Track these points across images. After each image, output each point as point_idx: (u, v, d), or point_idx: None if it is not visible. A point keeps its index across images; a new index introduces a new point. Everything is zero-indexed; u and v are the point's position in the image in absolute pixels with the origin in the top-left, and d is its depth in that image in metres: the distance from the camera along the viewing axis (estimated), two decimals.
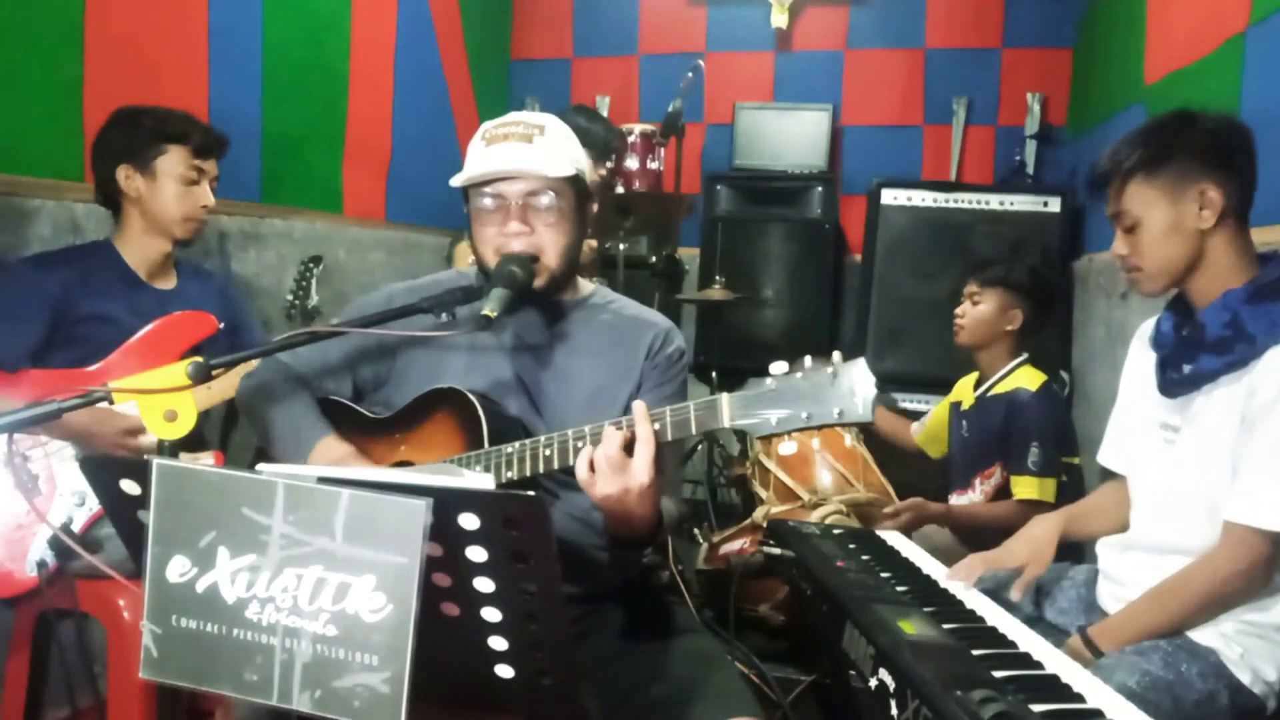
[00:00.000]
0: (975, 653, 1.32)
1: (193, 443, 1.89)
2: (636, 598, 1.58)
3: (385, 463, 1.53)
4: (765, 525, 2.44)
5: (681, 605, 1.92)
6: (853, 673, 1.40)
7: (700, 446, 3.59)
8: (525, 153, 1.48)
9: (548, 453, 1.36)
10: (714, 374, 3.66)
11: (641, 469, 1.26)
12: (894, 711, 1.21)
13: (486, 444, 1.43)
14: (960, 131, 4.37)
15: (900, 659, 1.24)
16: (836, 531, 2.04)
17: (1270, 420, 1.43)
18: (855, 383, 1.23)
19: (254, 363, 1.67)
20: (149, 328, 2.02)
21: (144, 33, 2.62)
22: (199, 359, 1.19)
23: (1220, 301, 1.51)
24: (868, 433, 2.89)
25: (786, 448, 2.76)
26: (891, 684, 1.23)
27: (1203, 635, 1.51)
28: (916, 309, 3.85)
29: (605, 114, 4.41)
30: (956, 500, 2.66)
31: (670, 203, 3.85)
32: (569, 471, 1.35)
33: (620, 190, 3.89)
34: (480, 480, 0.99)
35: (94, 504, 1.89)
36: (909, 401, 3.77)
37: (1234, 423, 1.48)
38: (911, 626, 1.37)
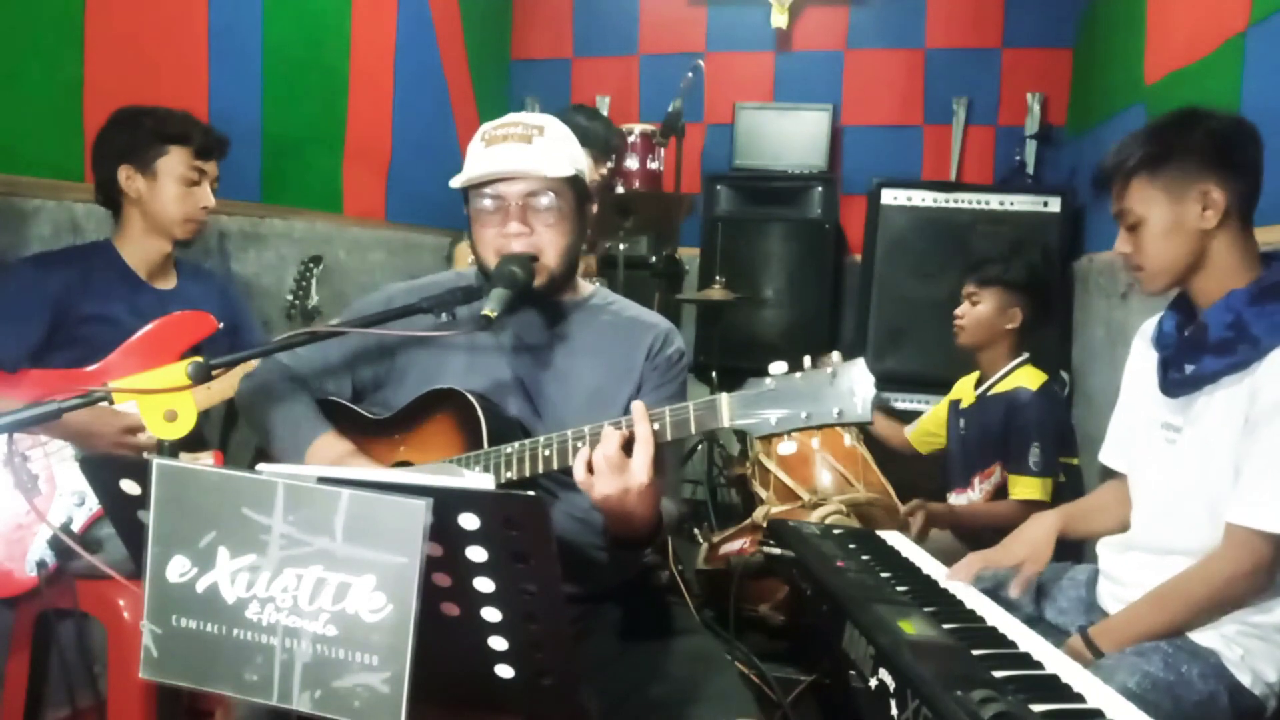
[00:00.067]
0: (975, 653, 1.32)
1: (193, 443, 1.89)
2: (636, 598, 1.58)
3: (385, 463, 1.54)
4: (765, 525, 2.44)
5: (681, 605, 1.93)
6: (853, 673, 1.40)
7: (700, 446, 3.59)
8: (524, 153, 1.48)
9: (547, 453, 1.37)
10: (714, 374, 3.66)
11: (641, 469, 1.26)
12: (894, 711, 1.21)
13: (486, 444, 1.43)
14: (960, 131, 4.37)
15: (900, 659, 1.24)
16: (836, 531, 2.04)
17: (1273, 423, 1.43)
18: (854, 383, 1.23)
19: (254, 363, 1.67)
20: (149, 328, 2.02)
21: (144, 33, 2.62)
22: (199, 359, 1.19)
23: (1223, 302, 1.51)
24: (866, 433, 2.89)
25: (786, 448, 2.76)
26: (891, 684, 1.23)
27: (1203, 636, 1.51)
28: (916, 309, 3.85)
29: (605, 114, 4.41)
30: (955, 499, 2.66)
31: (670, 203, 3.85)
32: (568, 472, 1.35)
33: (620, 190, 3.89)
34: (480, 480, 0.99)
35: (94, 504, 1.88)
36: (909, 401, 3.77)
37: (1236, 424, 1.48)
38: (911, 626, 1.37)
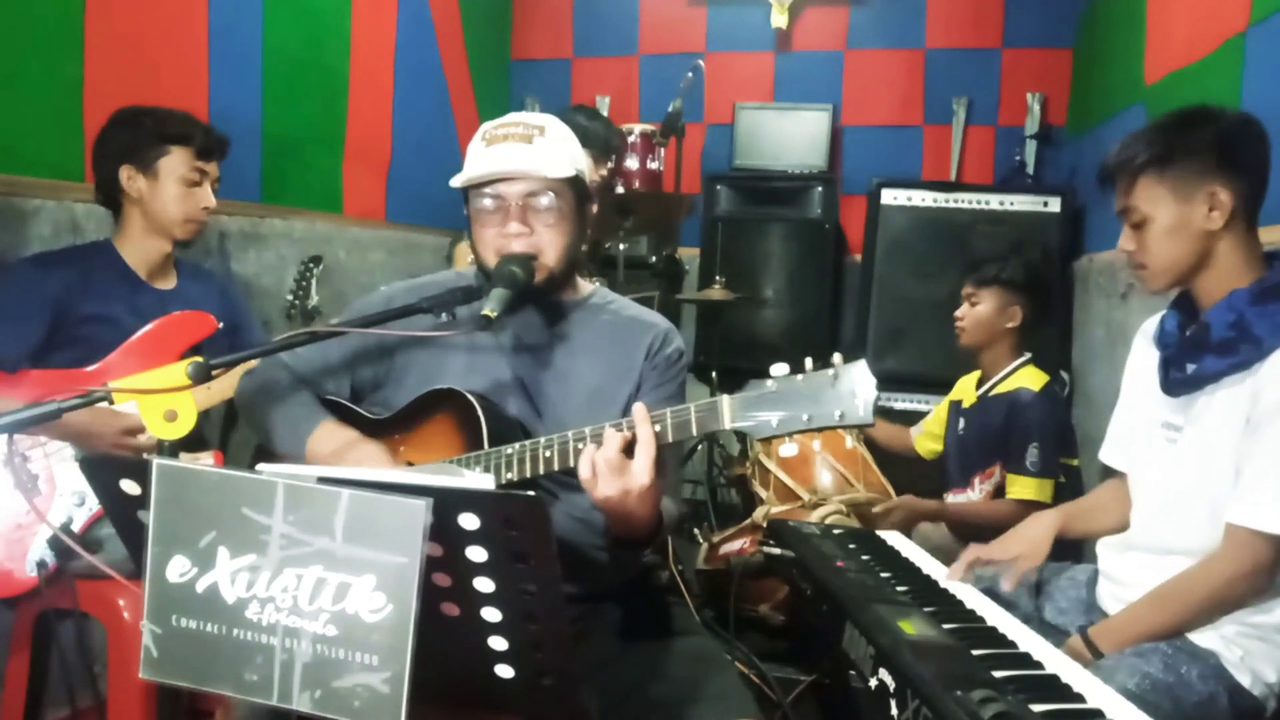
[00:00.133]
0: (975, 653, 1.32)
1: (193, 443, 1.89)
2: (636, 598, 1.58)
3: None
4: (765, 525, 2.44)
5: (681, 605, 1.93)
6: (853, 673, 1.40)
7: (700, 447, 3.59)
8: (525, 153, 1.48)
9: (548, 454, 1.37)
10: (714, 374, 3.65)
11: (642, 470, 1.26)
12: (894, 711, 1.21)
13: (486, 445, 1.43)
14: (960, 131, 4.37)
15: (900, 659, 1.24)
16: (836, 531, 2.04)
17: (1275, 423, 1.42)
18: (856, 385, 1.23)
19: (254, 362, 1.67)
20: (149, 328, 2.02)
21: (144, 33, 2.62)
22: (199, 359, 1.19)
23: (1225, 302, 1.50)
24: (868, 436, 2.89)
25: (787, 450, 2.76)
26: (891, 684, 1.23)
27: (1203, 637, 1.51)
28: (916, 309, 3.85)
29: (605, 114, 4.41)
30: (953, 499, 2.66)
31: (670, 203, 3.85)
32: (569, 472, 1.35)
33: (620, 190, 3.89)
34: (480, 480, 0.99)
35: (94, 504, 1.88)
36: (909, 402, 3.77)
37: (1237, 424, 1.48)
38: (911, 626, 1.37)
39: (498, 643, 0.97)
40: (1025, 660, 1.33)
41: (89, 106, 2.42)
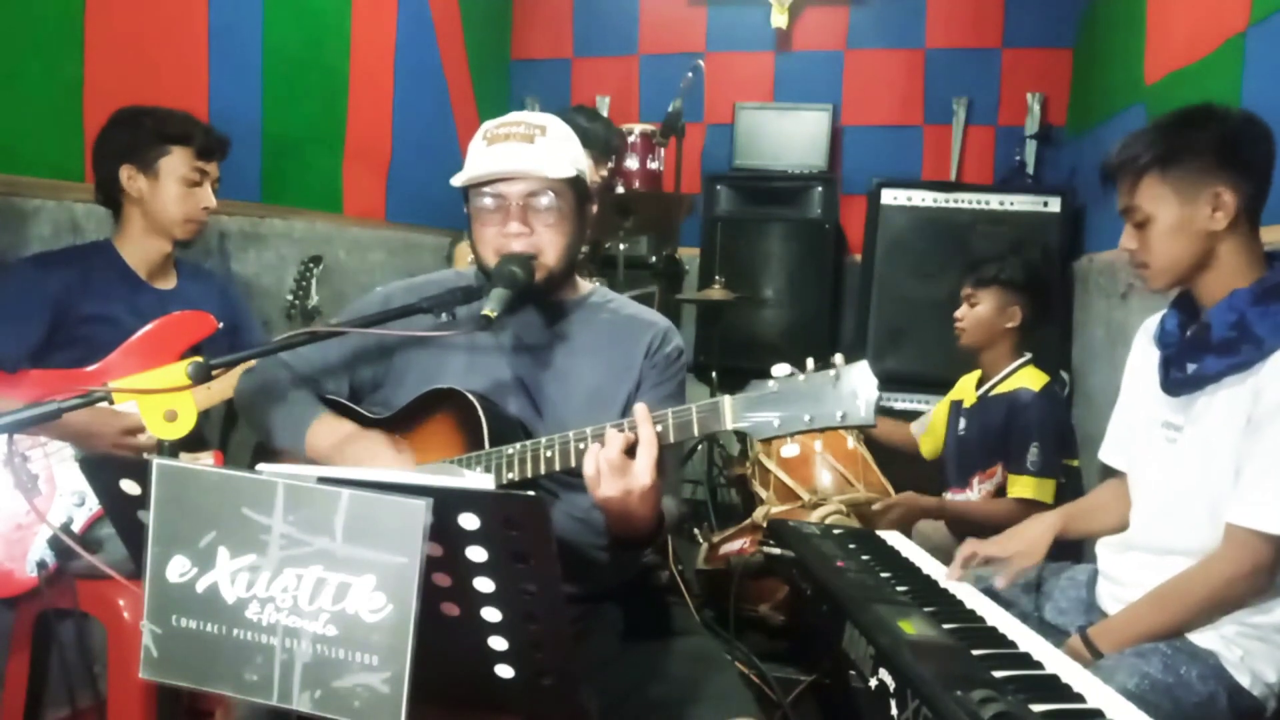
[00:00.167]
0: (975, 653, 1.32)
1: (193, 443, 1.89)
2: (636, 598, 1.58)
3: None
4: (765, 525, 2.44)
5: (681, 605, 1.92)
6: (853, 673, 1.40)
7: (700, 447, 3.59)
8: (527, 153, 1.48)
9: (549, 454, 1.37)
10: (714, 374, 3.65)
11: (644, 471, 1.26)
12: (894, 711, 1.21)
13: (487, 444, 1.43)
14: (960, 131, 4.37)
15: (900, 659, 1.24)
16: (836, 531, 2.04)
17: (1276, 423, 1.42)
18: (858, 385, 1.23)
19: (253, 362, 1.67)
20: (149, 328, 2.02)
21: (144, 33, 2.62)
22: (199, 359, 1.19)
23: (1227, 302, 1.50)
24: (867, 435, 2.88)
25: (789, 450, 2.76)
26: (891, 684, 1.23)
27: (1202, 638, 1.51)
28: (916, 309, 3.85)
29: (605, 114, 4.41)
30: (952, 499, 2.66)
31: (670, 203, 3.85)
32: (570, 472, 1.35)
33: (620, 190, 3.89)
34: (480, 480, 0.99)
35: (94, 504, 1.88)
36: (909, 402, 3.77)
37: (1238, 424, 1.48)
38: (911, 626, 1.37)
39: (498, 643, 0.97)
40: (1025, 660, 1.33)
41: (89, 106, 2.42)
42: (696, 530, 2.96)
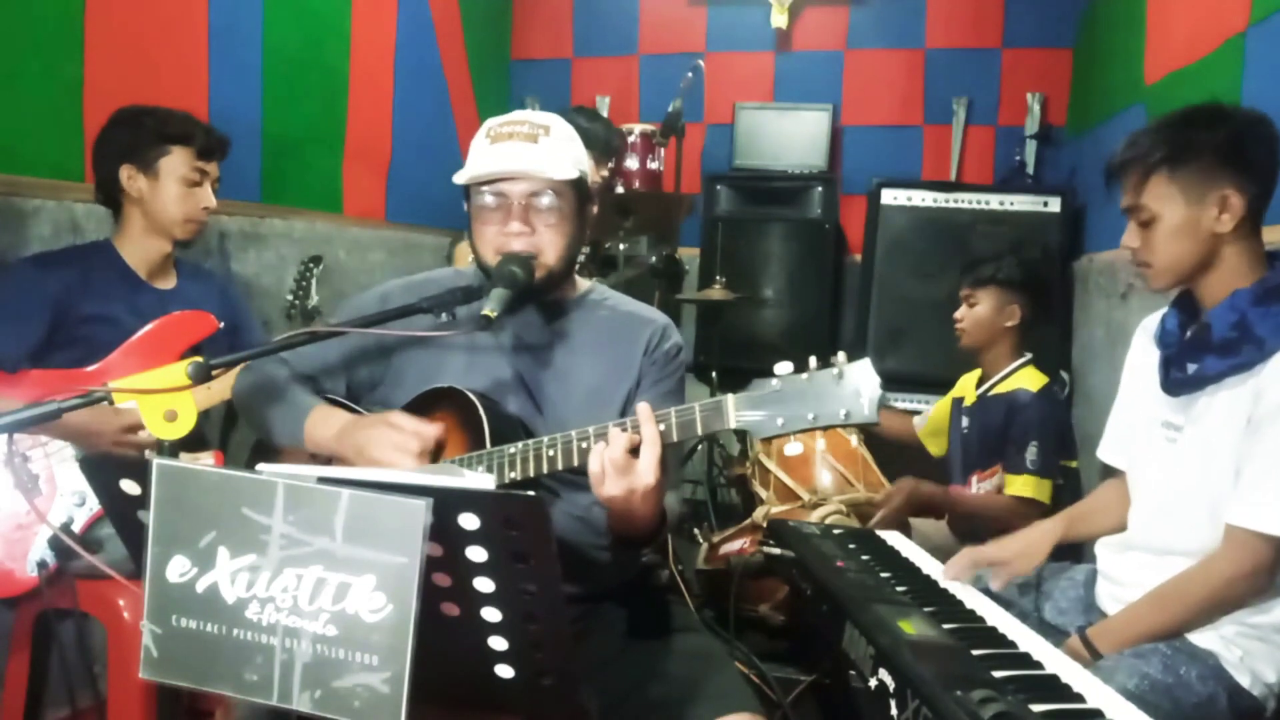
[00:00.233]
0: (975, 653, 1.32)
1: (193, 443, 1.89)
2: (636, 597, 1.58)
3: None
4: (765, 525, 2.44)
5: (681, 605, 1.92)
6: (853, 673, 1.40)
7: (700, 446, 3.59)
8: (529, 153, 1.48)
9: (552, 453, 1.37)
10: (714, 374, 3.65)
11: (647, 470, 1.26)
12: (894, 711, 1.21)
13: (488, 443, 1.43)
14: (960, 131, 4.37)
15: (900, 659, 1.24)
16: (836, 531, 2.04)
17: (1276, 424, 1.42)
18: (860, 383, 1.23)
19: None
20: (149, 327, 2.02)
21: (144, 33, 2.62)
22: (199, 359, 1.19)
23: (1228, 302, 1.49)
24: (870, 431, 2.88)
25: (793, 449, 2.76)
26: (891, 684, 1.23)
27: (1202, 638, 1.51)
28: (916, 309, 3.85)
29: (605, 114, 4.41)
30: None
31: (670, 203, 3.85)
32: (571, 471, 1.35)
33: (620, 190, 3.88)
34: (480, 480, 0.99)
35: (94, 504, 1.88)
36: (909, 401, 3.77)
37: (1238, 425, 1.47)
38: (911, 626, 1.37)
39: (498, 643, 0.97)
40: (1025, 660, 1.33)
41: (89, 106, 2.42)
42: (696, 530, 2.95)
